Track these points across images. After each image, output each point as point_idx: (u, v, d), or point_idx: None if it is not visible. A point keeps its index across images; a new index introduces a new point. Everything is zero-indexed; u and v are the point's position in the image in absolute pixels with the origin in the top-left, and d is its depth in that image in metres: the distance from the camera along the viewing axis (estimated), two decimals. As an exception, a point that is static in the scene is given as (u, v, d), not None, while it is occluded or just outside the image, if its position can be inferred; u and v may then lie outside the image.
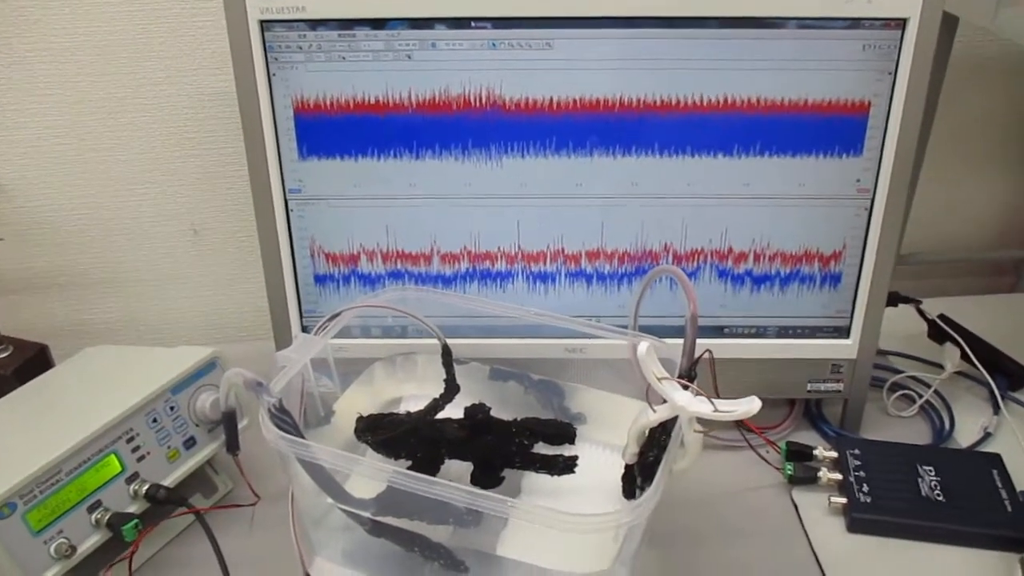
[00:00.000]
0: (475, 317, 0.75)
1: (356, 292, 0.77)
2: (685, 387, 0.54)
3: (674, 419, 0.55)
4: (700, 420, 0.54)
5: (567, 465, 0.66)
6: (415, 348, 0.77)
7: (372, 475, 0.56)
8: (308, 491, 0.62)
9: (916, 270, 1.03)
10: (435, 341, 0.70)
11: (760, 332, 0.78)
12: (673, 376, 0.59)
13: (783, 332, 0.77)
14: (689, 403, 0.53)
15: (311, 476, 0.60)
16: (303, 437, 0.59)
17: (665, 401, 0.55)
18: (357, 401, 0.74)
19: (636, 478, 0.58)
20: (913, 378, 0.87)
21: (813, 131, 0.70)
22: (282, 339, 0.77)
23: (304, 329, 0.78)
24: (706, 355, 0.61)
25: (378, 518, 0.61)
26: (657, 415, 0.55)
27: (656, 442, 0.56)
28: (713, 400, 0.52)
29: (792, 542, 0.70)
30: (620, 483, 0.65)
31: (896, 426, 0.83)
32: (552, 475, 0.66)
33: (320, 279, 0.76)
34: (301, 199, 0.73)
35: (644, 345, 0.52)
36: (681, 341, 0.61)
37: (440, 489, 0.54)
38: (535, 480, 0.67)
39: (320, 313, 0.78)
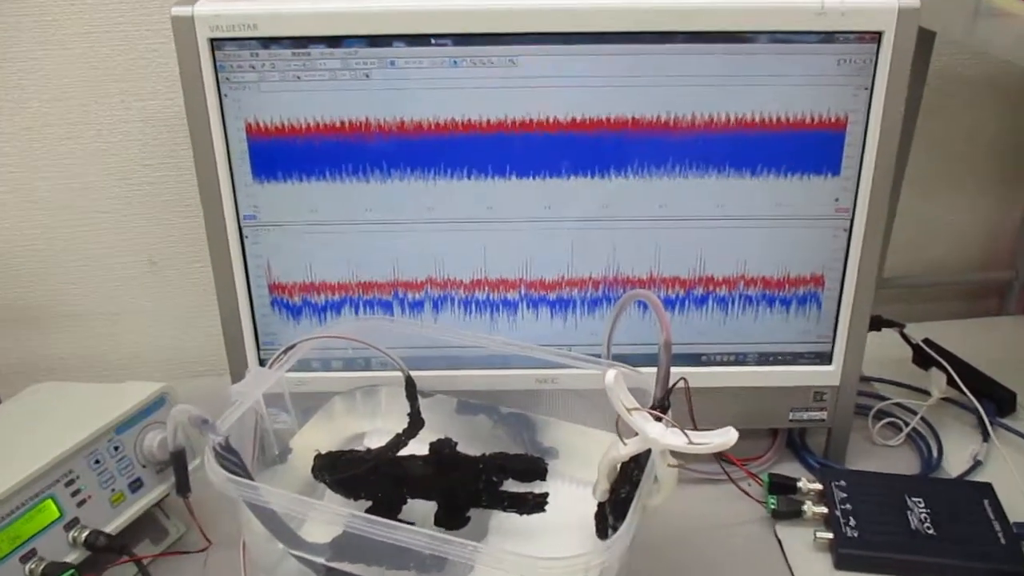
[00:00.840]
0: (440, 347, 0.71)
1: (315, 322, 0.73)
2: (658, 418, 0.51)
3: (647, 453, 0.52)
4: (674, 453, 0.51)
5: (537, 503, 0.63)
6: (378, 381, 0.73)
7: (327, 519, 0.52)
8: (260, 537, 0.58)
9: (899, 293, 1.01)
10: (399, 373, 0.67)
11: (739, 359, 0.74)
12: (645, 407, 0.56)
13: (763, 359, 0.74)
14: (662, 435, 0.49)
15: (261, 521, 0.56)
16: (252, 478, 0.56)
17: (636, 434, 0.51)
18: (316, 437, 0.70)
19: (608, 516, 0.55)
20: (899, 405, 0.84)
21: (789, 149, 0.67)
22: (238, 373, 0.73)
23: (261, 362, 0.74)
24: (680, 384, 0.57)
25: (334, 565, 0.56)
26: (628, 448, 0.51)
27: (628, 477, 0.53)
28: (687, 432, 0.49)
29: (775, 579, 0.67)
30: (594, 521, 0.61)
31: (882, 455, 0.80)
32: (521, 514, 0.62)
33: (277, 309, 0.73)
34: (256, 225, 0.70)
35: (612, 373, 0.48)
36: (654, 370, 0.58)
37: (400, 533, 0.50)
38: (503, 520, 0.64)
39: (279, 345, 0.74)
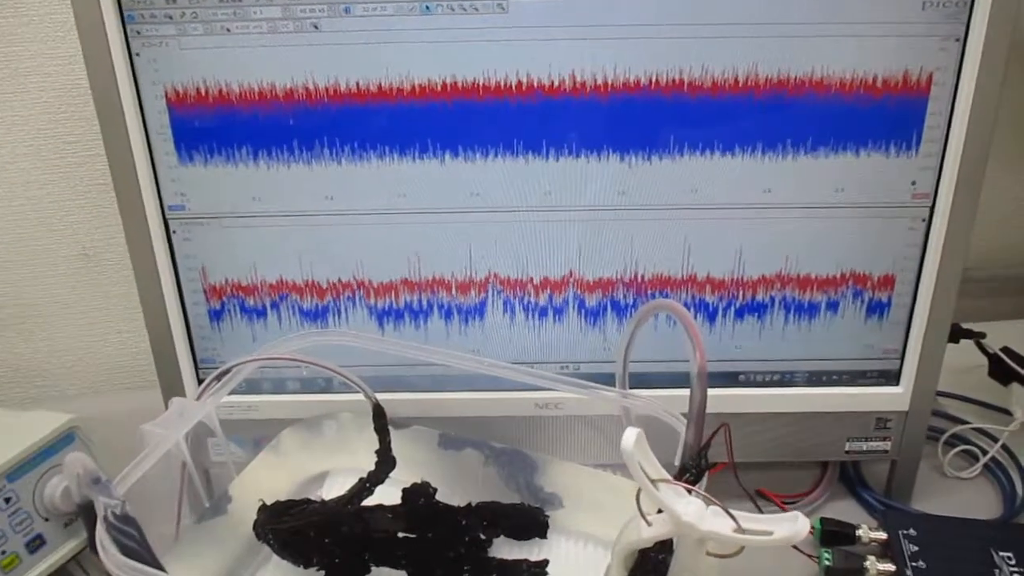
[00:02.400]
0: (418, 365, 0.58)
1: (264, 334, 0.60)
2: (691, 489, 0.37)
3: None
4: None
5: (534, 574, 0.49)
6: (342, 406, 0.59)
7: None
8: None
9: (968, 289, 0.86)
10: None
11: (786, 379, 0.60)
12: (669, 452, 0.43)
13: (815, 379, 0.60)
14: (699, 518, 0.36)
15: (170, 613, 0.42)
16: (153, 558, 0.42)
17: (662, 511, 0.37)
18: (262, 481, 0.57)
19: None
20: (975, 429, 0.69)
21: (855, 119, 0.53)
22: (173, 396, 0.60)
23: (201, 383, 0.61)
24: (721, 430, 0.44)
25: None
26: (652, 531, 0.37)
27: (652, 567, 0.39)
28: (734, 513, 0.35)
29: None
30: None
31: (955, 490, 0.66)
32: (513, 589, 0.49)
33: (217, 320, 0.59)
34: (185, 218, 0.56)
35: (630, 436, 0.34)
36: (685, 392, 0.44)
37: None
38: (491, 594, 0.50)
39: (221, 362, 0.60)
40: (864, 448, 0.62)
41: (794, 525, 0.34)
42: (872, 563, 0.57)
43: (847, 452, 0.62)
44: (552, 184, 0.55)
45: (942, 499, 0.65)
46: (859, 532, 0.59)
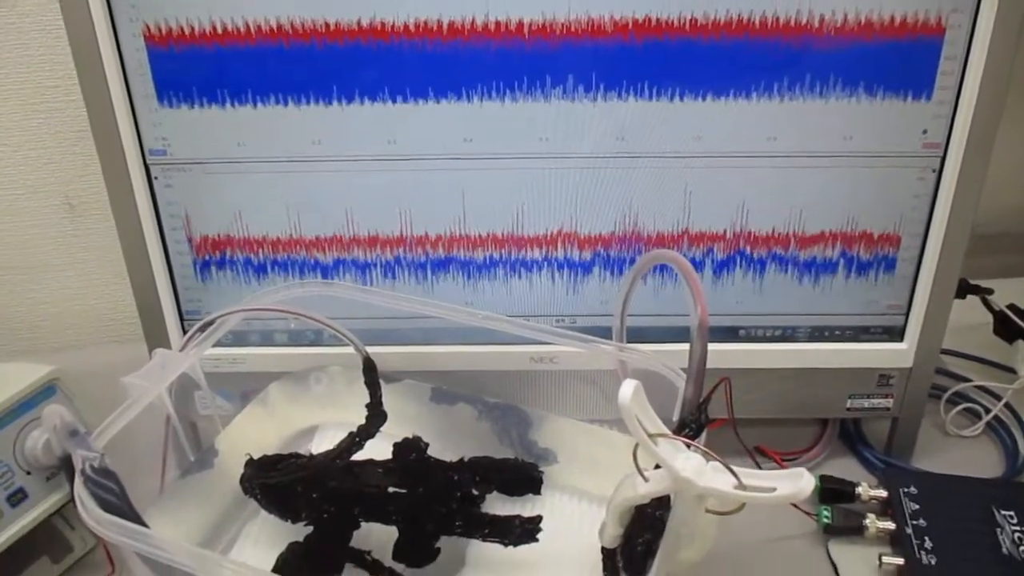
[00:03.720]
0: (410, 318, 0.56)
1: (250, 286, 0.58)
2: (690, 443, 0.36)
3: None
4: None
5: (527, 531, 0.48)
6: (332, 359, 0.58)
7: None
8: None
9: (975, 246, 0.84)
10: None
11: (787, 335, 0.59)
12: (669, 403, 0.41)
13: (817, 335, 0.59)
14: (698, 474, 0.34)
15: (152, 570, 0.41)
16: (133, 513, 0.41)
17: (660, 466, 0.36)
18: (250, 435, 0.55)
19: (619, 568, 0.40)
20: (978, 387, 0.68)
21: (865, 62, 0.51)
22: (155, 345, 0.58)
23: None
24: (722, 384, 0.42)
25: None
26: (649, 487, 0.36)
27: (649, 523, 0.38)
28: (735, 469, 0.34)
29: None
30: (600, 554, 0.47)
31: (957, 449, 0.65)
32: (506, 546, 0.48)
33: (201, 271, 0.57)
34: (167, 164, 0.54)
35: (628, 389, 0.33)
36: (685, 347, 0.43)
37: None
38: (484, 550, 0.49)
39: (207, 314, 0.58)
40: (866, 405, 0.61)
41: (798, 482, 0.32)
42: (872, 521, 0.56)
43: (848, 409, 0.61)
44: (549, 130, 0.53)
45: (943, 457, 0.64)
46: (859, 490, 0.58)
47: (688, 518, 0.36)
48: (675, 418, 0.48)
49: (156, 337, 0.58)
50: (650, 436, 0.34)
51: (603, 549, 0.43)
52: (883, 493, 0.58)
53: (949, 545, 0.54)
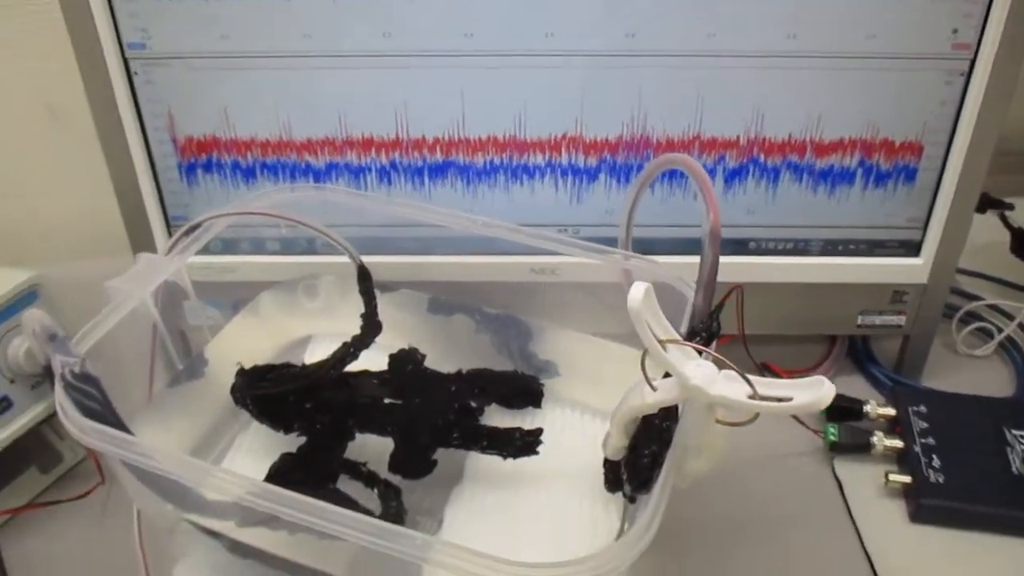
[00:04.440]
0: (406, 226, 0.54)
1: (240, 190, 0.55)
2: (702, 349, 0.34)
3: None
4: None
5: (527, 444, 0.47)
6: (327, 269, 0.56)
7: (217, 489, 0.36)
8: (145, 494, 0.42)
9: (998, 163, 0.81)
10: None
11: (800, 248, 0.57)
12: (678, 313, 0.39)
13: (831, 248, 0.57)
14: (710, 383, 0.32)
15: (138, 477, 0.40)
16: (117, 419, 0.39)
17: (669, 374, 0.34)
18: (241, 344, 0.53)
19: (623, 479, 0.39)
20: (992, 307, 0.66)
21: (896, -47, 0.47)
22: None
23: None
24: (734, 293, 0.40)
25: (246, 536, 0.41)
26: (657, 396, 0.34)
27: (655, 434, 0.36)
28: (749, 377, 0.32)
29: (833, 533, 0.52)
30: (602, 468, 0.46)
31: (967, 368, 0.64)
32: (505, 457, 0.47)
33: (189, 173, 0.54)
34: (147, 58, 0.51)
35: (638, 291, 0.31)
36: (693, 260, 0.41)
37: (318, 515, 0.34)
38: (483, 463, 0.48)
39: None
40: (877, 322, 0.59)
41: (818, 390, 0.30)
42: (879, 439, 0.55)
43: (859, 326, 0.59)
44: (555, 25, 0.49)
45: (954, 377, 0.62)
46: (867, 408, 0.57)
47: (697, 429, 0.35)
48: (683, 329, 0.46)
49: (142, 244, 0.56)
50: (660, 342, 0.32)
51: (606, 461, 0.41)
52: (891, 411, 0.57)
53: (957, 464, 0.53)
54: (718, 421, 0.34)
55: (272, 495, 0.34)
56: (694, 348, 0.32)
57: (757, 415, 0.32)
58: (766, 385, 0.32)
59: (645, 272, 0.47)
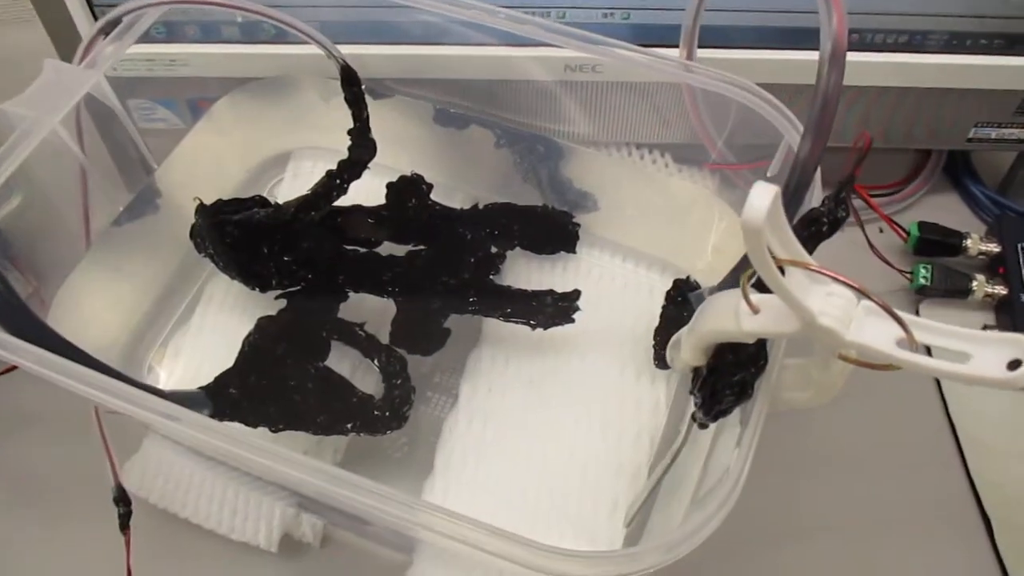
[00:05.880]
0: (403, 8, 0.41)
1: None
2: (837, 277, 0.23)
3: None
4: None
5: (561, 310, 0.37)
6: (304, 63, 0.43)
7: (163, 424, 0.27)
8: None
9: None
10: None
11: (913, 43, 0.44)
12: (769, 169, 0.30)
13: (956, 43, 0.43)
14: (844, 321, 0.22)
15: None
16: (30, 314, 0.29)
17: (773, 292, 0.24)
18: (199, 168, 0.43)
19: (693, 394, 0.30)
20: None
21: None
22: (65, 47, 0.43)
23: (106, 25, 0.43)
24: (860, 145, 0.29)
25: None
26: (758, 325, 0.24)
27: (746, 357, 0.27)
28: (903, 316, 0.22)
29: (915, 400, 0.44)
30: (651, 336, 0.37)
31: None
32: (534, 328, 0.38)
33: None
34: None
35: (761, 200, 0.20)
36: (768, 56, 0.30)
37: (284, 467, 0.26)
38: (503, 329, 0.39)
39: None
40: (992, 136, 0.47)
41: (1010, 353, 0.21)
42: (980, 283, 0.46)
43: (969, 140, 0.48)
44: None
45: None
46: (967, 242, 0.47)
47: (812, 364, 0.25)
48: (769, 174, 0.36)
49: (59, 31, 0.43)
50: (780, 264, 0.22)
51: (657, 332, 0.33)
52: (996, 247, 0.47)
53: (1072, 318, 0.44)
54: (841, 356, 0.24)
55: (231, 440, 0.26)
56: (828, 275, 0.22)
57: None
58: (929, 331, 0.22)
59: (717, 87, 0.35)
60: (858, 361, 0.24)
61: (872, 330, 0.22)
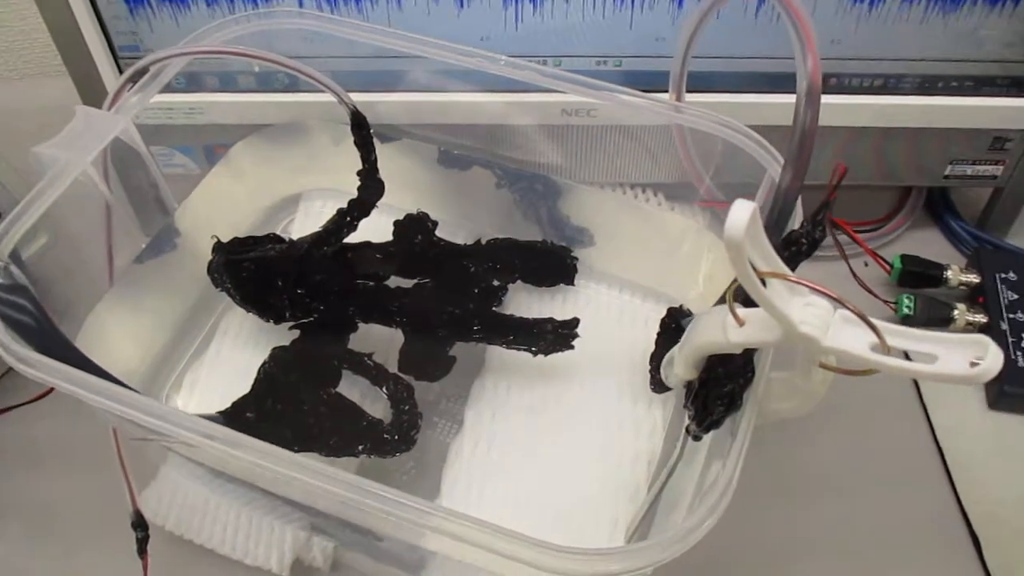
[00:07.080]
0: (407, 57, 0.43)
1: (201, 18, 0.44)
2: (815, 287, 0.25)
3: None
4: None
5: (561, 337, 0.39)
6: (316, 110, 0.46)
7: (185, 437, 0.29)
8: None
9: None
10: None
11: (890, 85, 0.46)
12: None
13: (928, 85, 0.46)
14: (822, 330, 0.24)
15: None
16: (58, 336, 0.31)
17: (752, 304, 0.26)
18: (215, 209, 0.45)
19: (686, 407, 0.32)
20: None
21: None
22: (90, 98, 0.46)
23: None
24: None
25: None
26: (744, 336, 0.26)
27: (735, 369, 0.29)
28: (877, 323, 0.24)
29: (901, 419, 0.46)
30: (647, 362, 0.39)
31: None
32: (535, 354, 0.40)
33: (133, -7, 0.43)
34: None
35: (740, 214, 0.22)
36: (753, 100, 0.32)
37: (306, 477, 0.27)
38: (506, 357, 0.41)
39: (147, 50, 0.46)
40: (968, 172, 0.50)
41: (977, 352, 0.22)
42: (961, 312, 0.48)
43: (946, 177, 0.50)
44: None
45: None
46: (947, 273, 0.49)
47: (795, 375, 0.27)
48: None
49: (86, 82, 0.45)
50: (761, 277, 0.24)
51: (652, 358, 0.35)
52: (975, 278, 0.49)
53: (1050, 344, 0.46)
54: (822, 365, 0.26)
55: (245, 447, 0.28)
56: (807, 286, 0.24)
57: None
58: (899, 335, 0.24)
59: (705, 126, 0.38)
60: (837, 368, 0.26)
61: (848, 336, 0.24)
